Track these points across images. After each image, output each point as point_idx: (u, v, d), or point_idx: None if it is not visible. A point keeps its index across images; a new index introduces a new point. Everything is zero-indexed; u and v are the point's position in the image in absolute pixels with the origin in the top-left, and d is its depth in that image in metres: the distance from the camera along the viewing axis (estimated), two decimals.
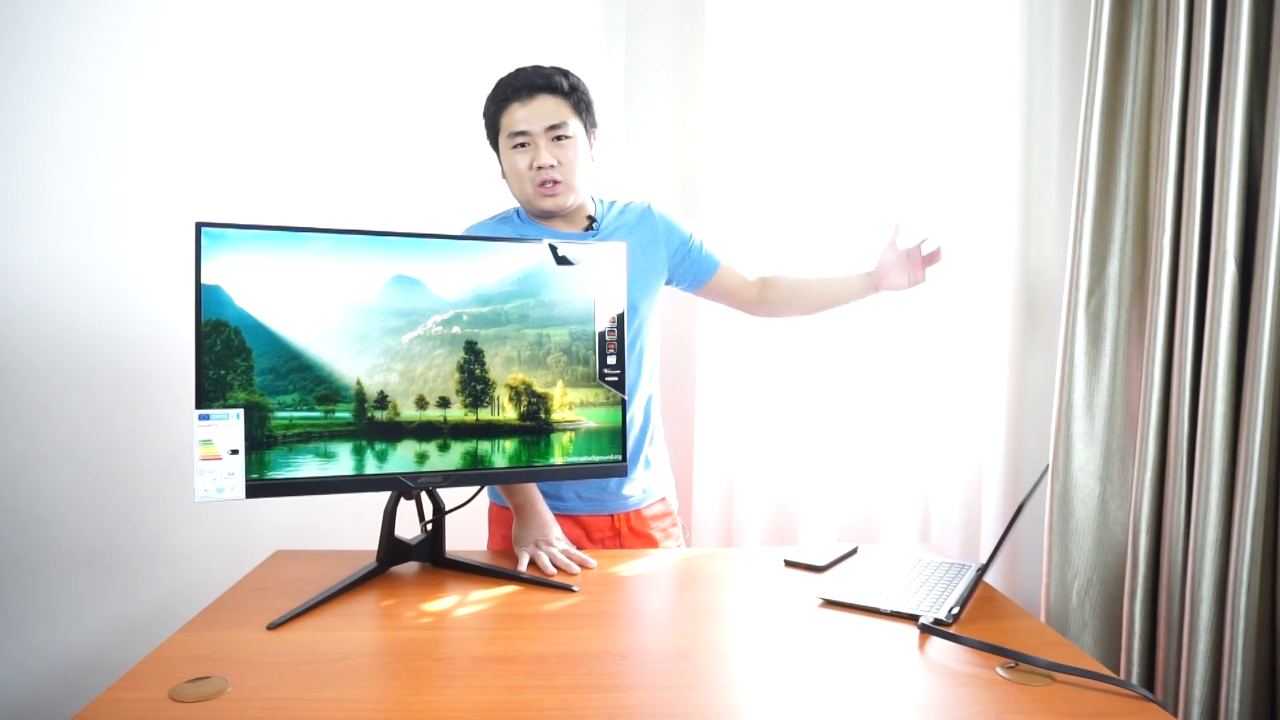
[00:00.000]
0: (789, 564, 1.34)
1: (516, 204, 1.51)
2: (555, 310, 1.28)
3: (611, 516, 1.53)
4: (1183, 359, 1.26)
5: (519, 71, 1.41)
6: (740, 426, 1.98)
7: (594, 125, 1.47)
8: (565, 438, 1.29)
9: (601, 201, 1.56)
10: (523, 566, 1.32)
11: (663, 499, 1.59)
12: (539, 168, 1.38)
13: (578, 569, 1.32)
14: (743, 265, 1.64)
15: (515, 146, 1.40)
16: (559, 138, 1.39)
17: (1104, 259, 1.39)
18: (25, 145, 1.66)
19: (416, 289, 1.21)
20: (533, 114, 1.38)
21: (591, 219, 1.50)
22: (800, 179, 1.94)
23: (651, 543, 1.54)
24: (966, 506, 1.73)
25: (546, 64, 1.44)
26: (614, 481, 1.51)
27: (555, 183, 1.40)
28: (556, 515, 1.47)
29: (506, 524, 1.48)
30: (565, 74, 1.43)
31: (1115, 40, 1.36)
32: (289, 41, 1.92)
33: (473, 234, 1.46)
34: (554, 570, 1.31)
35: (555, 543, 1.38)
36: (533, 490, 1.43)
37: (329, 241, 1.17)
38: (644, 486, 1.55)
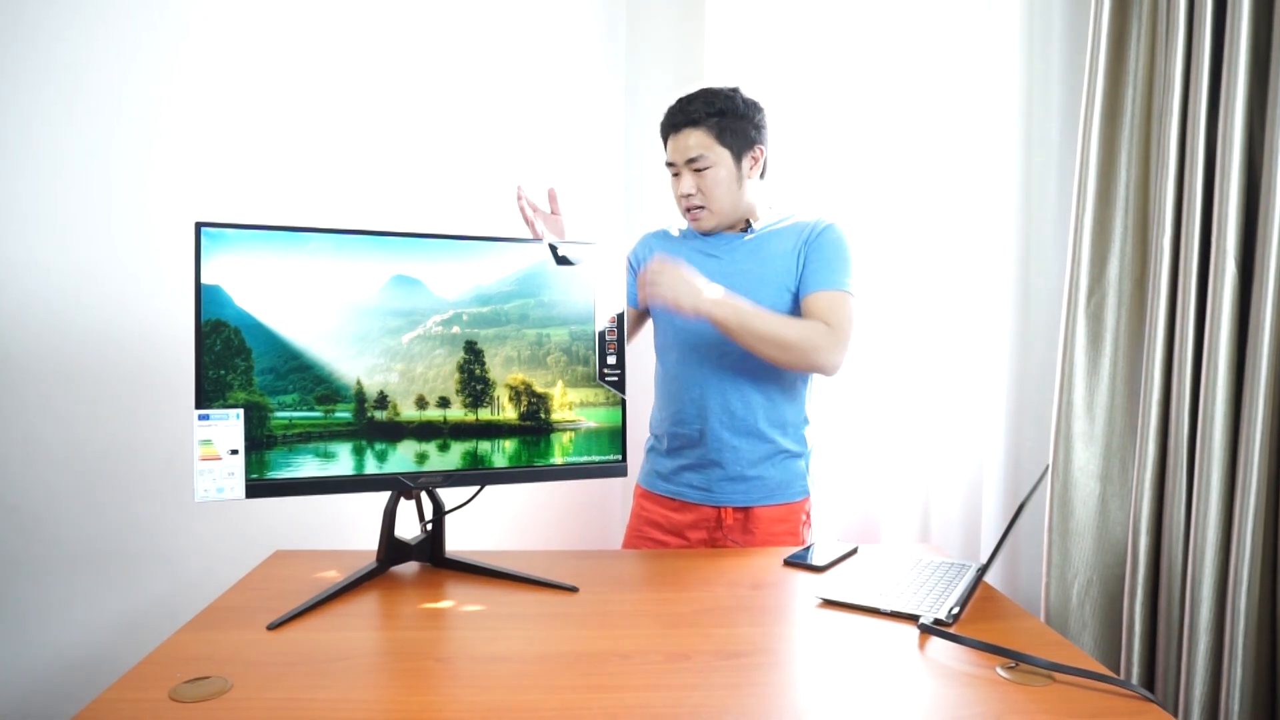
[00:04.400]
0: (789, 563, 1.34)
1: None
2: (555, 310, 1.28)
3: (718, 509, 1.55)
4: (1183, 359, 1.26)
5: (674, 104, 1.53)
6: None
7: (750, 145, 1.51)
8: (565, 438, 1.29)
9: (777, 213, 1.58)
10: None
11: (785, 503, 1.56)
12: (684, 195, 1.52)
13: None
14: (839, 324, 1.43)
15: (672, 175, 1.55)
16: (699, 169, 1.49)
17: (1104, 259, 1.39)
18: (25, 145, 1.66)
19: (416, 289, 1.21)
20: (677, 147, 1.51)
21: (748, 223, 1.55)
22: (800, 178, 1.94)
23: (757, 543, 1.54)
24: (966, 506, 1.73)
25: (718, 86, 1.52)
26: (725, 473, 1.53)
27: (699, 208, 1.52)
28: (665, 498, 1.59)
29: (638, 513, 1.64)
30: (712, 101, 1.48)
31: (1115, 40, 1.36)
32: (289, 41, 1.92)
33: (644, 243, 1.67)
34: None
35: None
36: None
37: (329, 241, 1.17)
38: (766, 484, 1.55)
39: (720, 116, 1.48)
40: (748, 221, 1.56)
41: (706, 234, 1.57)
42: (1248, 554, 1.16)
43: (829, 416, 1.90)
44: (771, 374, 1.51)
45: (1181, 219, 1.27)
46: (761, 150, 1.53)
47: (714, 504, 1.55)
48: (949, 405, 1.76)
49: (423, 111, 2.10)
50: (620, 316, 1.32)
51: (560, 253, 1.28)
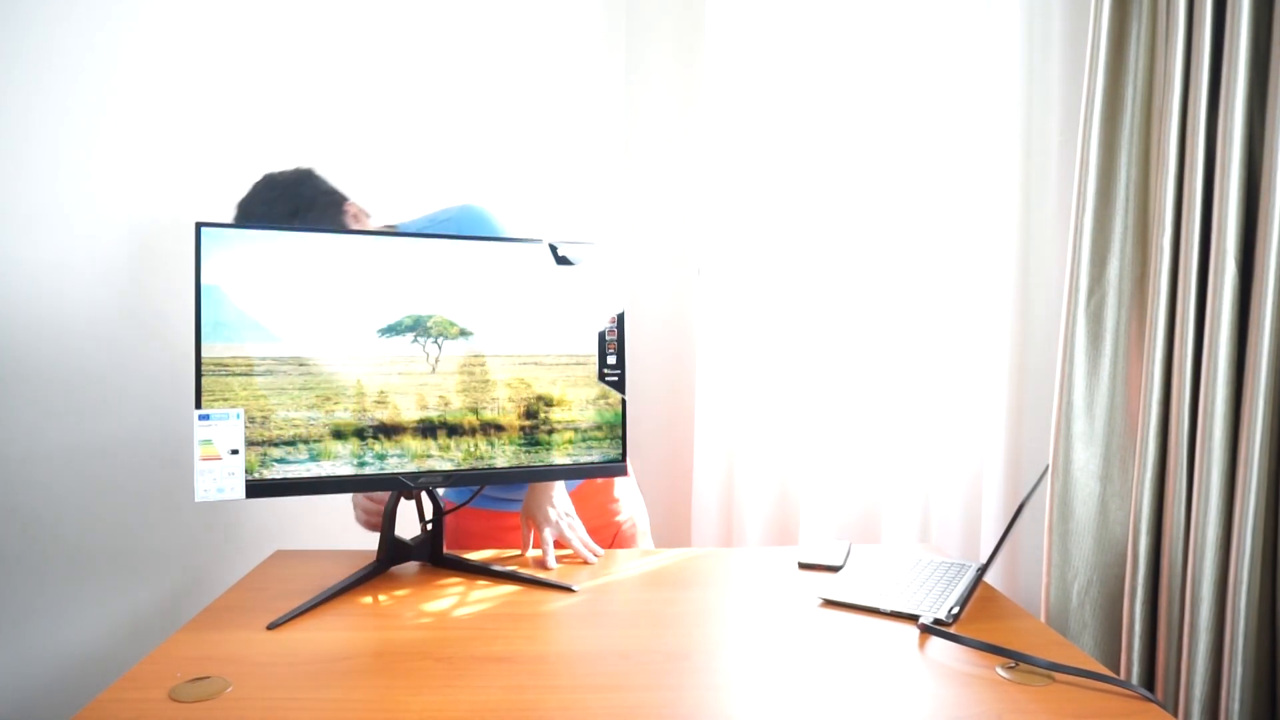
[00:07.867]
0: (804, 566, 1.33)
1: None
2: (555, 310, 1.28)
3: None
4: (1183, 359, 1.26)
5: None
6: (740, 425, 1.98)
7: (340, 213, 1.39)
8: (565, 437, 1.29)
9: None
10: (528, 542, 1.37)
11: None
12: None
13: (593, 558, 1.35)
14: None
15: None
16: None
17: (1104, 259, 1.39)
18: (24, 144, 1.66)
19: (416, 289, 1.21)
20: None
21: None
22: (800, 179, 1.94)
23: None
24: (966, 506, 1.73)
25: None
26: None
27: None
28: (505, 513, 1.49)
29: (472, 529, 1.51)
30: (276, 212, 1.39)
31: (1115, 40, 1.36)
32: (289, 41, 1.92)
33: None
34: (553, 563, 1.32)
35: (565, 519, 1.37)
36: None
37: (329, 241, 1.17)
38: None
39: (293, 218, 1.37)
40: None
41: None
42: (1248, 554, 1.16)
43: (830, 415, 1.90)
44: None
45: (1181, 219, 1.27)
46: (351, 204, 1.41)
47: (514, 511, 1.49)
48: (949, 405, 1.76)
49: (424, 111, 2.10)
50: (620, 317, 1.32)
51: (560, 253, 1.28)
